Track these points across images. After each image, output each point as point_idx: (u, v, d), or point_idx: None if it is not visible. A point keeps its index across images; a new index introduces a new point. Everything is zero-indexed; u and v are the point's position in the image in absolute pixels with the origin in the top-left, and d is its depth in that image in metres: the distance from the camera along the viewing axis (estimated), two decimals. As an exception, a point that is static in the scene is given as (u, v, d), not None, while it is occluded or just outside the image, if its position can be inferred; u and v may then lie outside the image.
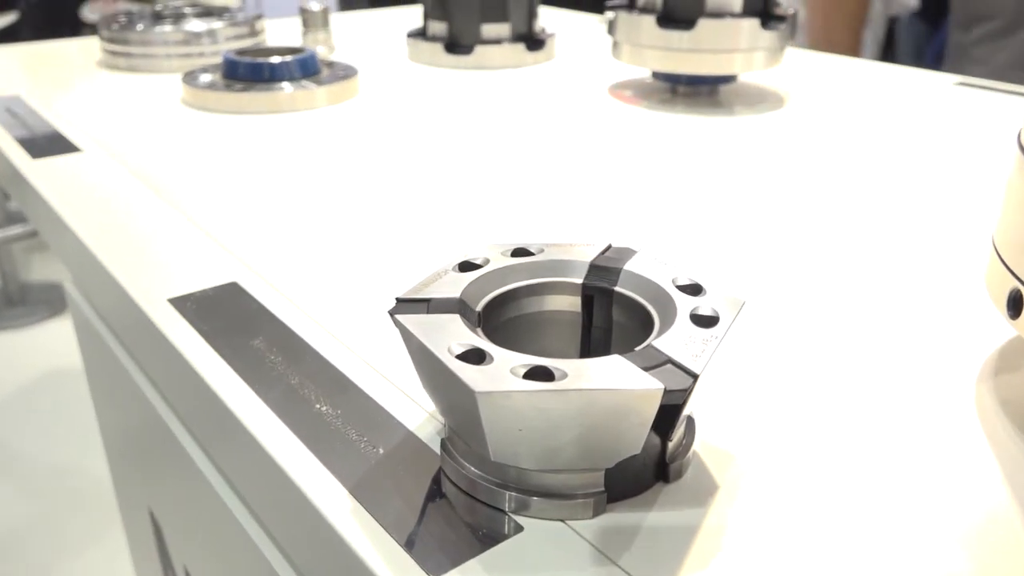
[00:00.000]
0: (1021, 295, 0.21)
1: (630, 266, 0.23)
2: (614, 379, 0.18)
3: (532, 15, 0.68)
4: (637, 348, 0.19)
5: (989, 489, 0.21)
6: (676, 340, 0.19)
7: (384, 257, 0.34)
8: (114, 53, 0.65)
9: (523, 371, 0.18)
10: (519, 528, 0.19)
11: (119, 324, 0.36)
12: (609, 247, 0.24)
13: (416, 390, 0.24)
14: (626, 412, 0.18)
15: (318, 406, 0.24)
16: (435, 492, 0.21)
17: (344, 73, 0.58)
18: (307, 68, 0.57)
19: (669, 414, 0.19)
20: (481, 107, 0.56)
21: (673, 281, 0.22)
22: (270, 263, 0.33)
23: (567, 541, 0.19)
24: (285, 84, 0.55)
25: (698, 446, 0.22)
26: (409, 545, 0.19)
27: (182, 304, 0.29)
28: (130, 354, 0.37)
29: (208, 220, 0.37)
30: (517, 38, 0.67)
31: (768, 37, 0.53)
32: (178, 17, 0.67)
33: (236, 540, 0.29)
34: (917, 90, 0.61)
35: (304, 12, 0.70)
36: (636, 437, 0.18)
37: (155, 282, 0.31)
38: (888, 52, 1.75)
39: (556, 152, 0.47)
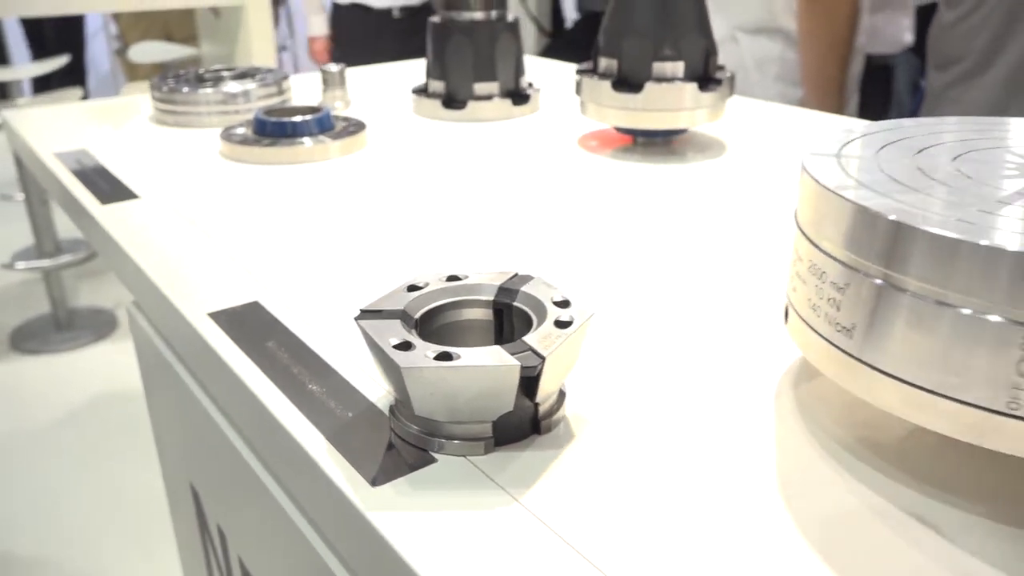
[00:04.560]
0: (787, 309, 0.31)
1: (526, 288, 0.33)
2: (489, 360, 0.28)
3: (519, 73, 0.79)
4: (513, 342, 0.29)
5: (757, 440, 0.30)
6: (539, 336, 0.29)
7: (369, 280, 0.44)
8: (164, 111, 0.77)
9: (434, 355, 0.28)
10: (433, 460, 0.29)
11: (170, 333, 0.46)
12: (515, 275, 0.34)
13: (376, 374, 0.34)
14: (496, 381, 0.28)
15: (310, 386, 0.34)
16: (385, 440, 0.31)
17: (354, 128, 0.69)
18: (323, 125, 0.68)
19: (532, 384, 0.29)
20: (469, 157, 0.67)
21: (551, 298, 0.32)
22: (282, 287, 0.43)
23: (466, 469, 0.29)
24: (305, 139, 0.66)
25: (568, 412, 0.32)
26: (363, 470, 0.29)
27: (218, 317, 0.40)
28: (179, 357, 0.47)
29: (239, 253, 0.48)
30: (505, 94, 0.78)
31: (708, 97, 0.63)
32: (217, 80, 0.79)
33: (255, 493, 0.39)
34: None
35: (324, 72, 0.81)
36: (507, 399, 0.28)
37: (197, 301, 0.42)
38: (885, 87, 1.84)
39: (526, 196, 0.57)
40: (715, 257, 0.47)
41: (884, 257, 0.26)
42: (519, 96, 0.79)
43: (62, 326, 1.93)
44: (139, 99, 0.87)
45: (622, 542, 0.26)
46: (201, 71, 0.81)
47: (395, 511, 0.27)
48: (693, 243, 0.49)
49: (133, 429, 1.36)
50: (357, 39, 2.20)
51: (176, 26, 2.69)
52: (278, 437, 0.33)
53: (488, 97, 0.77)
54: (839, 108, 1.25)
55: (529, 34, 2.73)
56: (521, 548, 0.26)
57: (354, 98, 0.85)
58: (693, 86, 0.62)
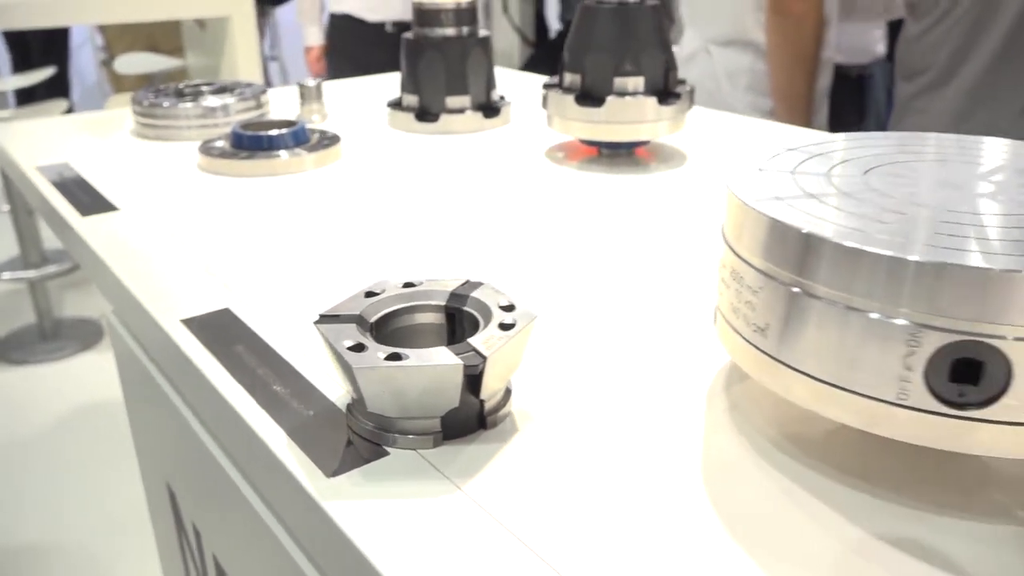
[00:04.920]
0: (716, 312, 0.34)
1: (476, 294, 0.35)
2: (435, 359, 0.30)
3: (490, 87, 0.82)
4: (459, 343, 0.31)
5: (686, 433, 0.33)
6: (484, 338, 0.32)
7: (336, 287, 0.46)
8: (144, 124, 0.79)
9: (384, 355, 0.31)
10: (386, 453, 0.32)
11: (146, 340, 0.48)
12: (467, 281, 0.36)
13: (335, 375, 0.37)
14: (442, 379, 0.30)
15: (275, 387, 0.36)
16: (343, 436, 0.33)
17: (329, 141, 0.72)
18: (299, 138, 0.70)
19: (477, 382, 0.31)
20: (440, 168, 0.69)
21: (498, 303, 0.34)
22: (253, 294, 0.45)
23: (416, 462, 0.31)
24: (282, 152, 0.69)
25: (514, 408, 0.34)
26: (321, 462, 0.31)
27: (190, 323, 0.42)
28: (154, 362, 0.49)
29: (212, 262, 0.50)
30: (477, 107, 0.80)
31: (668, 110, 0.66)
32: (197, 94, 0.81)
33: (227, 491, 0.41)
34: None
35: (301, 87, 0.84)
36: (453, 396, 0.31)
37: (171, 308, 0.44)
38: (858, 97, 1.88)
39: (493, 206, 0.60)
40: (668, 263, 0.49)
41: (796, 266, 0.28)
42: (490, 109, 0.81)
43: (48, 336, 1.93)
44: (121, 113, 0.89)
45: (558, 530, 0.28)
46: (181, 85, 0.83)
47: (349, 500, 0.29)
48: (649, 250, 0.51)
49: (119, 438, 1.37)
50: (351, 50, 2.24)
51: (162, 38, 2.70)
52: (244, 434, 0.35)
53: (460, 110, 0.80)
54: (807, 120, 1.28)
55: (513, 45, 2.76)
56: (464, 534, 0.28)
57: (332, 111, 0.88)
58: (653, 100, 0.65)
